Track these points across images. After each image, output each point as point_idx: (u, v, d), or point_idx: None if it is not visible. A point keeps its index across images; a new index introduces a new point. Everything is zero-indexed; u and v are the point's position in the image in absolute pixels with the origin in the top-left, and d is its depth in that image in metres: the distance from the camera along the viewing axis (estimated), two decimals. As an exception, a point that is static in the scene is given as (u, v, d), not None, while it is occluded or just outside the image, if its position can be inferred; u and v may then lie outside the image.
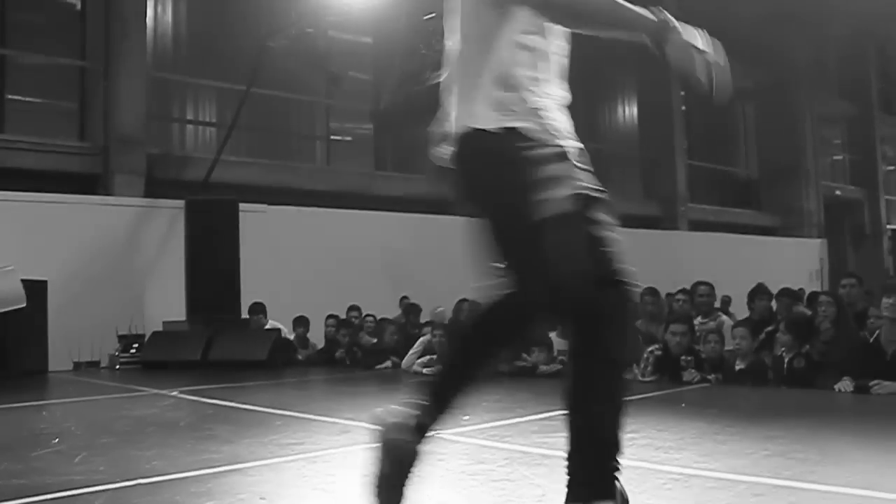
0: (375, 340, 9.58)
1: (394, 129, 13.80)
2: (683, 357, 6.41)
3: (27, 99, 11.96)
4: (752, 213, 22.17)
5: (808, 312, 7.14)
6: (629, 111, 20.48)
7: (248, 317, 10.25)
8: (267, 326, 10.10)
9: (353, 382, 7.53)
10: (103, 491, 2.95)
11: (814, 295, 7.93)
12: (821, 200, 22.63)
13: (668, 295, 8.89)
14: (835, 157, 25.81)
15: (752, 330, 6.56)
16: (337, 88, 13.01)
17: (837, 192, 24.17)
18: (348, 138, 15.80)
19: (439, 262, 12.62)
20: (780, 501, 2.64)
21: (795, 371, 5.92)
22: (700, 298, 7.95)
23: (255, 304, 10.23)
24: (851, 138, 25.82)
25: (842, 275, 8.68)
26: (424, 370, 7.91)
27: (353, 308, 10.65)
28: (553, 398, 5.44)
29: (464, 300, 10.24)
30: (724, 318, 7.85)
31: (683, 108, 20.10)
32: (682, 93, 19.92)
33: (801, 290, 10.46)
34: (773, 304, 7.95)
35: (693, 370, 6.32)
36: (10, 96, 11.85)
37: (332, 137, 15.56)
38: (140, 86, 11.82)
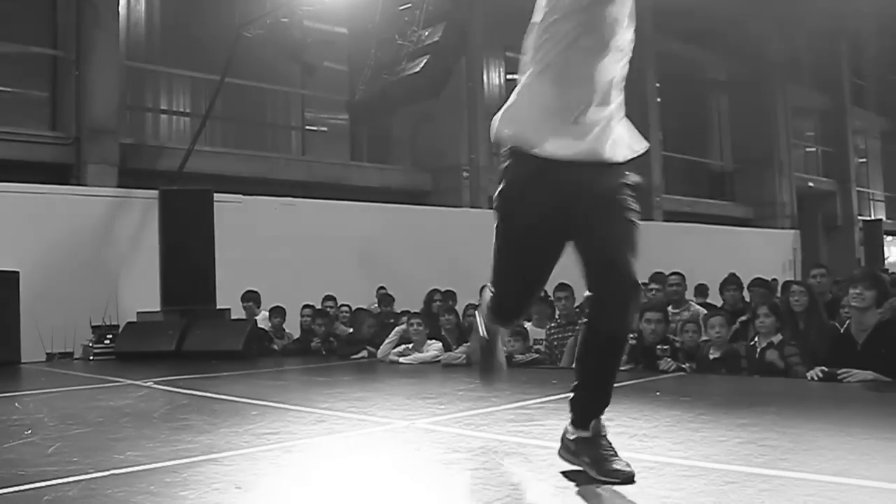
0: (351, 330, 9.57)
1: (369, 120, 13.76)
2: (659, 346, 6.45)
3: (-3, 87, 11.82)
4: (725, 205, 22.36)
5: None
6: (604, 102, 20.53)
7: (225, 306, 10.25)
8: (258, 316, 10.08)
9: (329, 372, 7.52)
10: (77, 482, 2.94)
11: (787, 284, 8.02)
12: (794, 192, 22.86)
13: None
14: (807, 149, 26.07)
15: (729, 315, 6.62)
16: (312, 78, 12.96)
17: (810, 184, 24.43)
18: (324, 128, 15.76)
19: (414, 252, 12.65)
20: (752, 488, 2.66)
21: (769, 361, 5.98)
22: (670, 288, 8.01)
23: (249, 292, 10.22)
24: (824, 131, 26.09)
25: (814, 266, 8.80)
26: (400, 360, 7.93)
27: (328, 298, 10.63)
28: (528, 387, 5.48)
29: (435, 290, 10.26)
30: (697, 307, 7.92)
31: (658, 99, 20.19)
32: (658, 84, 20.03)
33: (774, 280, 10.56)
34: (746, 294, 8.04)
35: (669, 359, 6.36)
36: (-20, 86, 11.72)
37: (308, 127, 15.52)
38: (113, 75, 11.71)
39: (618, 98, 2.89)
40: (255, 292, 10.26)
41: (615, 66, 2.83)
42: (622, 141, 2.88)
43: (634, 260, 2.71)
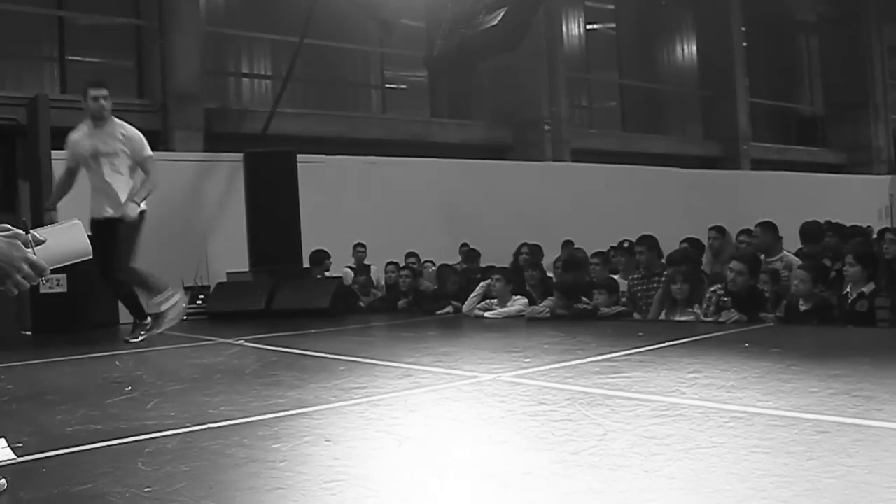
0: (436, 287, 9.63)
1: (448, 75, 13.69)
2: (721, 296, 6.34)
3: (86, 59, 12.14)
4: (816, 151, 21.62)
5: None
6: (688, 49, 20.00)
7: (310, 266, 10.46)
8: (329, 273, 10.27)
9: (415, 328, 7.59)
10: (175, 435, 3.04)
11: (882, 232, 7.73)
12: (890, 135, 21.92)
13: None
14: (905, 90, 24.93)
15: (817, 269, 6.43)
16: (390, 36, 12.93)
17: (908, 127, 23.39)
18: (403, 86, 15.76)
19: (496, 207, 12.62)
20: (845, 438, 2.60)
21: (859, 312, 5.79)
22: (754, 239, 7.86)
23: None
24: (923, 69, 24.86)
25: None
26: (485, 314, 7.96)
27: (411, 255, 10.71)
28: (614, 339, 5.45)
29: (524, 244, 10.22)
30: (791, 257, 7.68)
31: (745, 43, 19.55)
32: (743, 28, 19.39)
33: (869, 227, 10.22)
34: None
35: (732, 310, 6.23)
36: (69, 57, 12.05)
37: (387, 86, 15.55)
38: (195, 41, 11.91)
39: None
40: (325, 251, 10.50)
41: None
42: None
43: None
